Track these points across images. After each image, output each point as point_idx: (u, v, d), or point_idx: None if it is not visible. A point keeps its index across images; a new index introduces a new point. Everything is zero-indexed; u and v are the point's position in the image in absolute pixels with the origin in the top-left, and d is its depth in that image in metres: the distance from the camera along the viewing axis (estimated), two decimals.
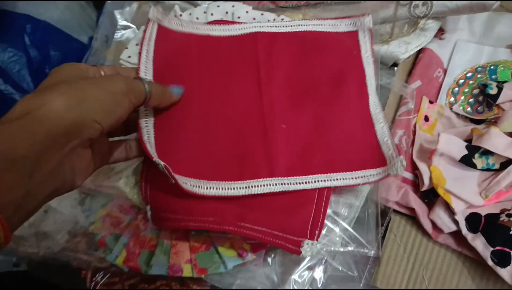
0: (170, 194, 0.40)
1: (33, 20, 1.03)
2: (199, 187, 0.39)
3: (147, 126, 0.40)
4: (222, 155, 0.42)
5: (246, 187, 0.40)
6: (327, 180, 0.41)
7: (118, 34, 0.53)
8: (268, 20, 0.52)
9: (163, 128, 0.41)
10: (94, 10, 1.20)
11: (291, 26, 0.50)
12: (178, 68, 0.46)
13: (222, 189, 0.40)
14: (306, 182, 0.41)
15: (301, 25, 0.50)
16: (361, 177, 0.41)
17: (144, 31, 0.45)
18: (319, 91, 0.46)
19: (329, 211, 0.44)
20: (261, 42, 0.48)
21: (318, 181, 0.41)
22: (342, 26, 0.50)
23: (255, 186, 0.40)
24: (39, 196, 0.28)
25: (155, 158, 0.37)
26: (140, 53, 0.44)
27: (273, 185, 0.40)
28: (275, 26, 0.50)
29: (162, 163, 0.36)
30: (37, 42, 1.02)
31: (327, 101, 0.46)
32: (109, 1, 0.57)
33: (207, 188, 0.39)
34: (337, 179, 0.41)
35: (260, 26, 0.49)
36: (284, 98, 0.46)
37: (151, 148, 0.38)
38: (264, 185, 0.40)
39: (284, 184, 0.40)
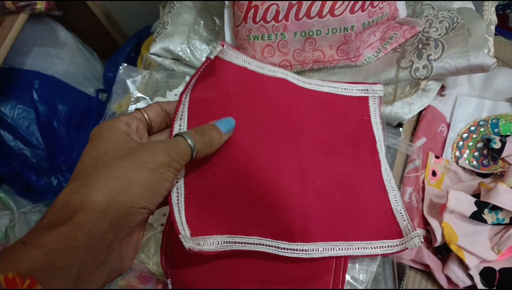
0: (191, 268, 0.41)
1: (40, 75, 1.06)
2: (228, 243, 0.38)
3: (177, 184, 0.37)
4: (256, 207, 0.40)
5: (277, 247, 0.39)
6: (350, 248, 0.42)
7: (132, 107, 0.55)
8: None
9: (194, 178, 0.38)
10: (99, 61, 1.23)
11: (309, 84, 0.50)
12: (215, 100, 0.41)
13: (252, 244, 0.39)
14: (331, 249, 0.41)
15: (318, 84, 0.51)
16: (380, 247, 0.42)
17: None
18: (335, 154, 0.47)
19: (347, 277, 0.45)
20: (290, 91, 0.48)
21: (341, 248, 0.41)
22: (354, 91, 0.51)
23: (287, 249, 0.39)
24: None
25: (183, 236, 0.34)
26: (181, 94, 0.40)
27: (304, 250, 0.40)
28: (297, 80, 0.49)
29: (188, 245, 0.34)
30: (45, 97, 1.04)
31: (343, 165, 0.47)
32: (122, 69, 0.59)
33: (235, 242, 0.38)
34: (358, 248, 0.42)
35: (286, 74, 0.48)
36: (313, 155, 0.45)
37: (179, 215, 0.36)
38: (296, 250, 0.39)
39: (314, 250, 0.40)
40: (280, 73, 0.48)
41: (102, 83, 1.18)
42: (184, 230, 0.35)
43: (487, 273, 0.48)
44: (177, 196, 0.36)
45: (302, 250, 0.40)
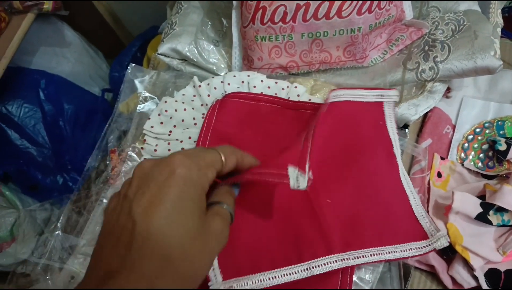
0: None
1: (46, 75, 1.06)
2: (262, 280, 0.39)
3: None
4: (277, 241, 0.41)
5: (307, 269, 0.40)
6: (380, 253, 0.42)
7: (140, 106, 0.56)
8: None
9: None
10: (104, 61, 1.24)
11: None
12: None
13: (284, 275, 0.39)
14: (362, 256, 0.41)
15: (336, 96, 0.50)
16: (409, 249, 0.42)
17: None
18: (354, 162, 0.47)
19: (354, 278, 0.45)
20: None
21: (372, 254, 0.41)
22: (370, 97, 0.51)
23: (316, 266, 0.40)
24: None
25: (213, 283, 0.37)
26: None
27: (333, 262, 0.40)
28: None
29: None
30: (51, 96, 1.05)
31: (363, 171, 0.47)
32: (130, 69, 0.59)
33: (269, 278, 0.39)
34: (389, 252, 0.42)
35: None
36: (325, 171, 0.46)
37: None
38: (325, 264, 0.40)
39: (344, 260, 0.41)
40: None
41: (108, 82, 1.19)
42: (215, 275, 0.37)
43: (492, 275, 0.48)
44: None
45: (335, 261, 0.40)
